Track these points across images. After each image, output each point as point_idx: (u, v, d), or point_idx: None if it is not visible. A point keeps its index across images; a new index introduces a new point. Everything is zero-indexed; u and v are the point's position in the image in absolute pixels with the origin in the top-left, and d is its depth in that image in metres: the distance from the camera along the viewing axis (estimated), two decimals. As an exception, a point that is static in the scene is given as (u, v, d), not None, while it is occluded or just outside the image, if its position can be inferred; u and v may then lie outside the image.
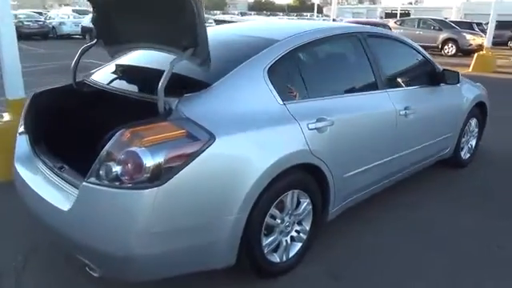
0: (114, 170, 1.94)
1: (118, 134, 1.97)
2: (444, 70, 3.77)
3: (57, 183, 2.30)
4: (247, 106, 2.31)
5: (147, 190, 1.90)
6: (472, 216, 3.45)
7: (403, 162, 3.43)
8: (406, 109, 3.25)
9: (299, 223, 2.64)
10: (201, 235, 2.10)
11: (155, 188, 1.90)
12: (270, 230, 2.45)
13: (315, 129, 2.51)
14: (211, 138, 2.04)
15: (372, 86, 3.09)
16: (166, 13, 2.21)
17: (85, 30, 20.42)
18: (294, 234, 2.61)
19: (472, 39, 17.06)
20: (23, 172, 2.53)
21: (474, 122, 4.46)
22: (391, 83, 3.28)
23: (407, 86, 3.46)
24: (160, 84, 2.07)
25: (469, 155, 4.53)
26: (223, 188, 2.12)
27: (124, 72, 2.87)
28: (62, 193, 2.20)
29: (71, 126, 2.93)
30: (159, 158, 1.91)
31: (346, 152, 2.76)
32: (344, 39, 3.03)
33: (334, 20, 19.80)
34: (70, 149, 2.75)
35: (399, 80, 3.42)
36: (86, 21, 20.58)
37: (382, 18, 41.48)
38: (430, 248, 2.95)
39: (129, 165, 1.92)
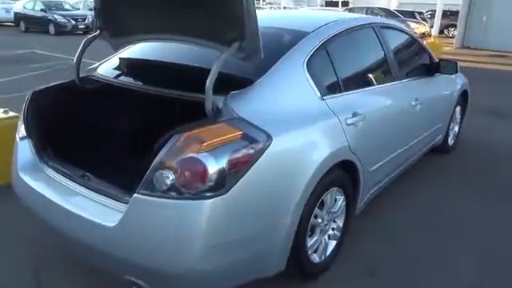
0: (170, 179, 1.74)
1: (172, 139, 1.77)
2: (440, 60, 3.86)
3: (85, 195, 2.04)
4: (291, 103, 2.19)
5: (211, 200, 1.72)
6: (469, 200, 3.60)
7: (413, 150, 3.50)
8: (415, 100, 3.28)
9: (334, 221, 2.57)
10: (259, 243, 1.97)
11: (219, 197, 1.74)
12: (313, 231, 2.37)
13: (352, 124, 2.45)
14: (269, 138, 1.90)
15: (389, 78, 3.09)
16: (205, 0, 2.01)
17: (18, 16, 18.77)
18: (330, 232, 2.55)
19: (416, 27, 17.88)
20: (34, 183, 2.22)
21: (458, 109, 4.63)
22: (402, 74, 3.29)
23: (413, 76, 3.49)
24: (208, 81, 1.89)
25: (453, 141, 4.72)
26: (281, 191, 2.00)
27: (142, 67, 2.61)
28: (98, 206, 1.96)
29: (79, 126, 2.64)
30: (222, 164, 1.74)
31: (373, 146, 2.72)
32: (364, 30, 2.97)
33: (284, 8, 19.83)
34: (81, 153, 2.48)
35: (407, 71, 3.44)
36: (19, 6, 18.94)
37: (322, 6, 42.32)
38: (439, 232, 3.04)
39: (189, 173, 1.73)
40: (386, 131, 2.90)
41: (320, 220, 2.39)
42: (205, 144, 1.76)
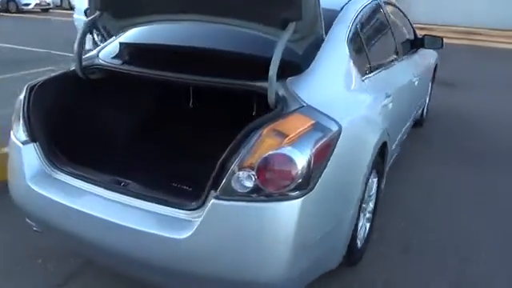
0: (252, 179, 1.55)
1: (253, 134, 1.57)
2: (425, 35, 3.94)
3: (131, 205, 1.76)
4: (342, 86, 2.07)
5: (301, 199, 1.57)
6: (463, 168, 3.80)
7: (409, 125, 3.57)
8: (414, 75, 3.33)
9: (369, 204, 2.54)
10: (332, 238, 1.86)
11: (307, 195, 1.58)
12: (358, 216, 2.31)
13: (385, 105, 2.40)
14: (339, 126, 1.77)
15: (397, 55, 3.07)
16: None
17: None
18: (367, 215, 2.51)
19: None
20: (56, 195, 1.88)
21: (430, 82, 4.82)
22: (402, 50, 3.30)
23: (407, 52, 3.52)
24: (271, 69, 1.70)
25: (425, 113, 4.92)
26: (349, 182, 1.90)
27: (155, 52, 2.31)
28: (155, 217, 1.70)
29: (89, 124, 2.29)
30: (308, 158, 1.58)
31: (395, 124, 2.71)
32: (375, 6, 2.89)
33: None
34: (99, 155, 2.17)
35: (403, 46, 3.46)
36: None
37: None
38: (446, 203, 3.18)
39: (276, 171, 1.55)
40: (401, 109, 2.90)
41: (365, 205, 2.34)
42: (288, 138, 1.58)
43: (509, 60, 10.01)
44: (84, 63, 2.26)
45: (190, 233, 1.58)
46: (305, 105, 1.74)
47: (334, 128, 1.75)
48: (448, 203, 3.18)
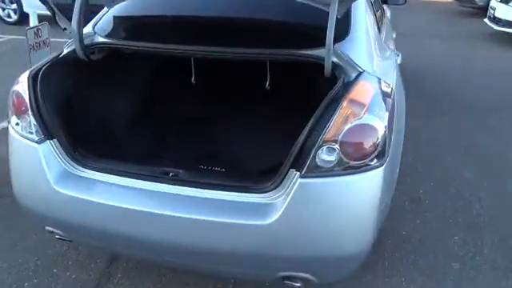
0: (335, 153, 1.49)
1: (334, 107, 1.50)
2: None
3: (200, 196, 1.61)
4: (377, 49, 2.04)
5: (382, 167, 1.55)
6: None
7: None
8: (392, 31, 3.41)
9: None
10: (390, 198, 1.88)
11: (385, 162, 1.57)
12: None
13: (398, 63, 2.44)
14: (392, 89, 1.77)
15: (382, 13, 3.10)
16: None
17: None
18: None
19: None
20: (96, 195, 1.66)
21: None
22: (380, 8, 3.33)
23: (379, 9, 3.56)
24: (328, 34, 1.62)
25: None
26: (401, 141, 1.96)
27: (163, 24, 2.07)
28: (231, 205, 1.57)
29: (105, 111, 2.04)
30: (385, 125, 1.56)
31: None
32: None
33: None
34: (124, 145, 1.97)
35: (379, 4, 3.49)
36: None
37: None
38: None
39: (359, 141, 1.50)
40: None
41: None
42: (366, 107, 1.54)
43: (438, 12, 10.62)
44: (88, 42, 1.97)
45: (275, 216, 1.49)
46: (361, 71, 1.70)
47: (391, 91, 1.75)
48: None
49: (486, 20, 7.63)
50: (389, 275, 2.16)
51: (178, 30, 2.06)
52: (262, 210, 1.54)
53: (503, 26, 7.10)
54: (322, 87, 2.20)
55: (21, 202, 1.85)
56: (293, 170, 1.51)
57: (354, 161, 1.51)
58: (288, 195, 1.50)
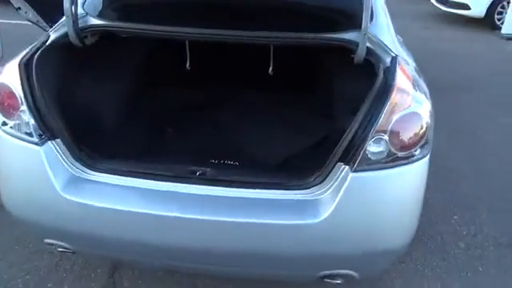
0: (385, 144, 1.41)
1: (384, 97, 1.40)
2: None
3: (236, 196, 1.46)
4: (394, 32, 1.97)
5: (427, 156, 1.49)
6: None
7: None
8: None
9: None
10: None
11: (430, 152, 1.52)
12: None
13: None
14: (420, 74, 1.73)
15: None
16: None
17: None
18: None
19: None
20: (114, 202, 1.45)
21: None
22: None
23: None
24: (364, 17, 1.52)
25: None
26: None
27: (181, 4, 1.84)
28: (273, 203, 1.44)
29: (102, 104, 1.81)
30: (430, 113, 1.50)
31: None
32: None
33: None
34: (121, 140, 1.77)
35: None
36: None
37: None
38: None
39: (409, 131, 1.43)
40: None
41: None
42: (411, 94, 1.47)
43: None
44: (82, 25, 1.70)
45: (325, 214, 1.39)
46: (394, 55, 1.62)
47: (419, 75, 1.69)
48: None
49: (433, 1, 7.91)
50: (401, 260, 2.16)
51: (182, 10, 1.84)
52: (308, 207, 1.43)
53: (450, 7, 7.41)
54: (331, 71, 2.13)
55: (15, 214, 1.60)
56: (341, 164, 1.42)
57: (401, 151, 1.44)
58: (337, 191, 1.40)
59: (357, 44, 1.58)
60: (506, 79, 4.79)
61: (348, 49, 1.64)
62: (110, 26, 1.72)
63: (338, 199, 1.39)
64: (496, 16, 7.05)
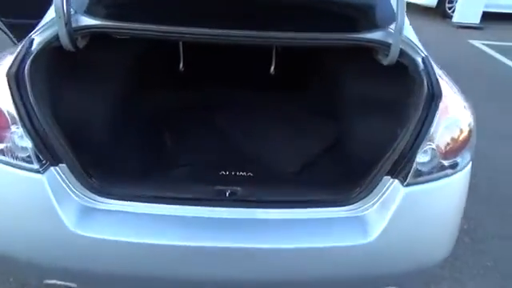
0: (433, 154, 1.32)
1: (432, 105, 1.31)
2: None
3: (271, 218, 1.31)
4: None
5: (470, 163, 1.43)
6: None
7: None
8: None
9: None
10: None
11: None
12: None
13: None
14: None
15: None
16: None
17: None
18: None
19: None
20: (134, 235, 1.25)
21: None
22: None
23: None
24: (400, 15, 1.42)
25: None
26: None
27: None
28: (318, 224, 1.31)
29: (102, 116, 1.57)
30: (472, 118, 1.42)
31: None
32: None
33: None
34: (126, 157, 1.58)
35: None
36: None
37: None
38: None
39: (457, 139, 1.35)
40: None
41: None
42: (453, 99, 1.39)
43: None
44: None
45: (376, 233, 1.28)
46: (424, 55, 1.53)
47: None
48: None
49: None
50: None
51: (186, 7, 1.63)
52: (355, 225, 1.32)
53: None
54: (341, 70, 2.01)
55: (10, 255, 1.34)
56: (388, 178, 1.31)
57: (446, 160, 1.36)
58: (385, 206, 1.30)
59: (388, 45, 1.47)
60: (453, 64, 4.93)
61: (369, 49, 1.54)
62: (110, 27, 1.47)
63: (389, 216, 1.29)
64: (447, 5, 7.31)
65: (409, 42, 1.53)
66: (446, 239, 1.42)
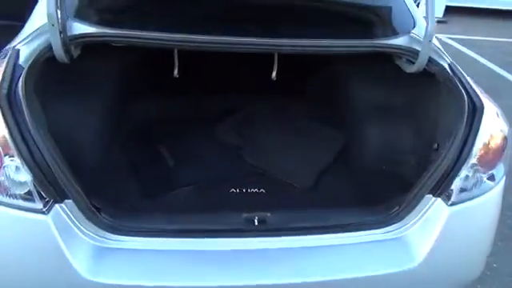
0: (474, 169, 1.24)
1: (480, 119, 1.22)
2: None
3: (306, 245, 1.19)
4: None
5: (504, 177, 1.36)
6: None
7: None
8: None
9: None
10: None
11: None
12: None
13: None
14: None
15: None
16: None
17: None
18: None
19: None
20: (159, 275, 1.10)
21: None
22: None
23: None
24: (430, 20, 1.33)
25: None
26: None
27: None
28: (360, 250, 1.20)
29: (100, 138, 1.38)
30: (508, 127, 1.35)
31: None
32: None
33: None
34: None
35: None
36: None
37: None
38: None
39: (496, 152, 1.27)
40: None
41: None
42: (490, 109, 1.30)
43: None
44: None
45: (421, 256, 1.19)
46: (450, 61, 1.46)
47: None
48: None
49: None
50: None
51: (180, 7, 1.46)
52: (397, 248, 1.23)
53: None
54: (348, 76, 1.90)
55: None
56: (430, 196, 1.22)
57: (485, 173, 1.28)
58: (428, 227, 1.22)
59: (415, 52, 1.38)
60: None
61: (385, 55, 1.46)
62: (111, 36, 1.28)
63: (434, 237, 1.20)
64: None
65: (434, 48, 1.44)
66: (484, 253, 1.36)
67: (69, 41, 1.22)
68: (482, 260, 1.36)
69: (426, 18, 1.36)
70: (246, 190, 1.65)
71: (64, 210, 1.07)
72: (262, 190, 1.66)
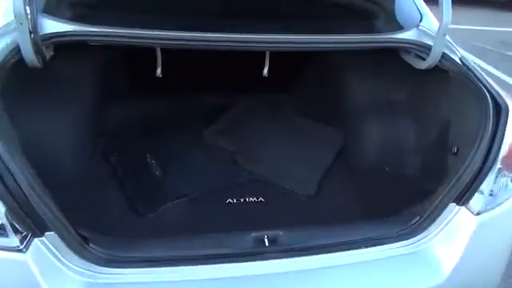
0: (499, 173, 1.14)
1: (505, 121, 1.12)
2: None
3: (323, 266, 1.06)
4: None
5: None
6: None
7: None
8: None
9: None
10: None
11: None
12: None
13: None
14: None
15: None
16: None
17: None
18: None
19: None
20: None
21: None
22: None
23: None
24: (445, 14, 1.22)
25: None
26: None
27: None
28: (379, 267, 1.09)
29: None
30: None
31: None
32: None
33: None
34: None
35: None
36: None
37: None
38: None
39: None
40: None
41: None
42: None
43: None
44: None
45: (449, 269, 1.09)
46: (460, 55, 1.36)
47: None
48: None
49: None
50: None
51: (170, 6, 1.30)
52: (420, 262, 1.12)
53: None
54: (346, 71, 1.77)
55: None
56: (454, 205, 1.12)
57: (508, 176, 1.20)
58: (455, 238, 1.11)
59: (427, 47, 1.27)
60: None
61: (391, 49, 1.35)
62: (90, 35, 1.10)
63: (461, 249, 1.10)
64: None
65: (450, 45, 1.33)
66: (503, 265, 1.28)
67: (41, 41, 1.04)
68: (503, 268, 1.28)
69: (441, 10, 1.24)
70: (244, 200, 1.51)
71: (45, 245, 0.89)
72: (260, 198, 1.53)
